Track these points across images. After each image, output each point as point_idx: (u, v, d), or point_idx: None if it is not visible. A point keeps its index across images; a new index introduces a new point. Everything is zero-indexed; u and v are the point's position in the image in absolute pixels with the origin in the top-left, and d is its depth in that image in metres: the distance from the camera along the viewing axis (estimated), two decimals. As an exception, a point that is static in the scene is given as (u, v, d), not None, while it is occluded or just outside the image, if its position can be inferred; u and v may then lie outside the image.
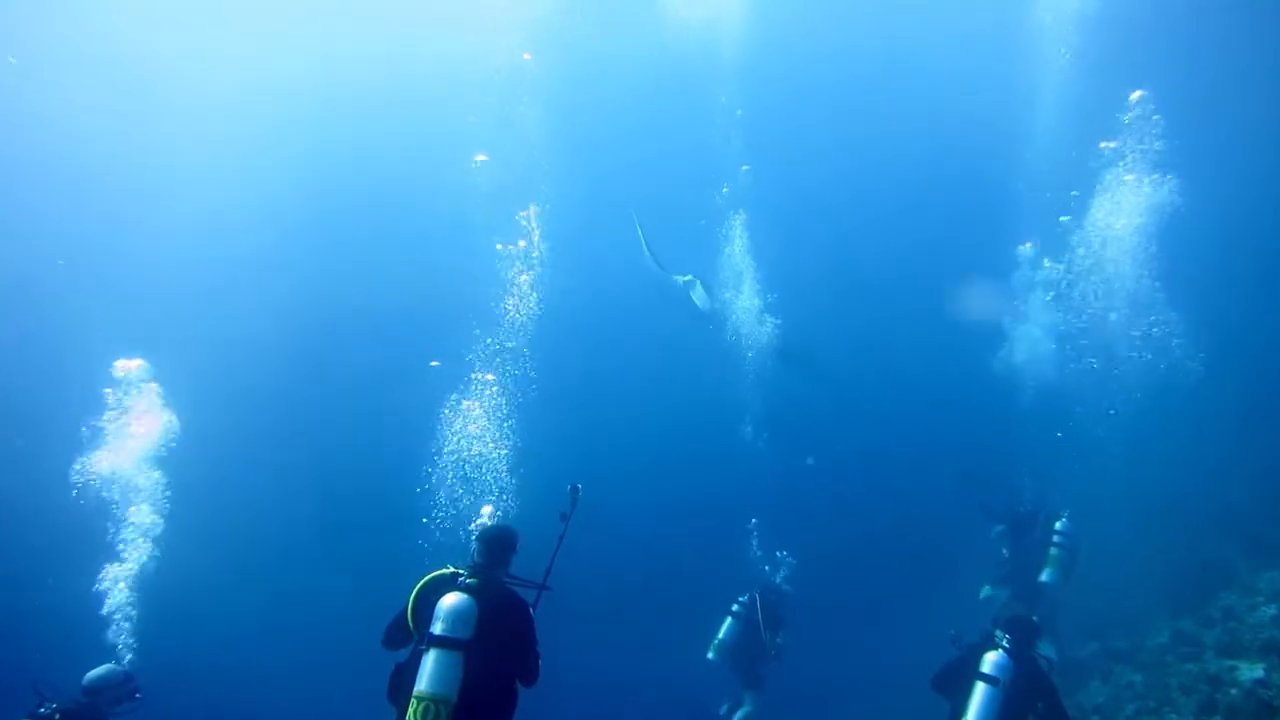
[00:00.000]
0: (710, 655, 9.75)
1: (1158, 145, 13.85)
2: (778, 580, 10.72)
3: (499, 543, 4.70)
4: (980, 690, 5.16)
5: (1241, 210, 20.03)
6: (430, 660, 4.02)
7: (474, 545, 4.68)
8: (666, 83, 21.43)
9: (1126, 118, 13.93)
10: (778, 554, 11.11)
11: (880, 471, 18.15)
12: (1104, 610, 11.66)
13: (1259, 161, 19.91)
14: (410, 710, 3.92)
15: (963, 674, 5.48)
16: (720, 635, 9.81)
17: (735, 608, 9.96)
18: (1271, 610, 9.42)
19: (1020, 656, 5.35)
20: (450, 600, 4.16)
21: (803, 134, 22.72)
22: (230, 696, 12.58)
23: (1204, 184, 15.02)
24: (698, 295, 14.87)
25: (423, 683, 3.96)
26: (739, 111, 19.31)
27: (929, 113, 22.55)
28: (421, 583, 4.43)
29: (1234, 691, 8.01)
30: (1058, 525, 9.71)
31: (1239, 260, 20.92)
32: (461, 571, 4.46)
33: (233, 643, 13.81)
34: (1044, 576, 9.44)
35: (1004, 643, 5.38)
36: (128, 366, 8.99)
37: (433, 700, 3.91)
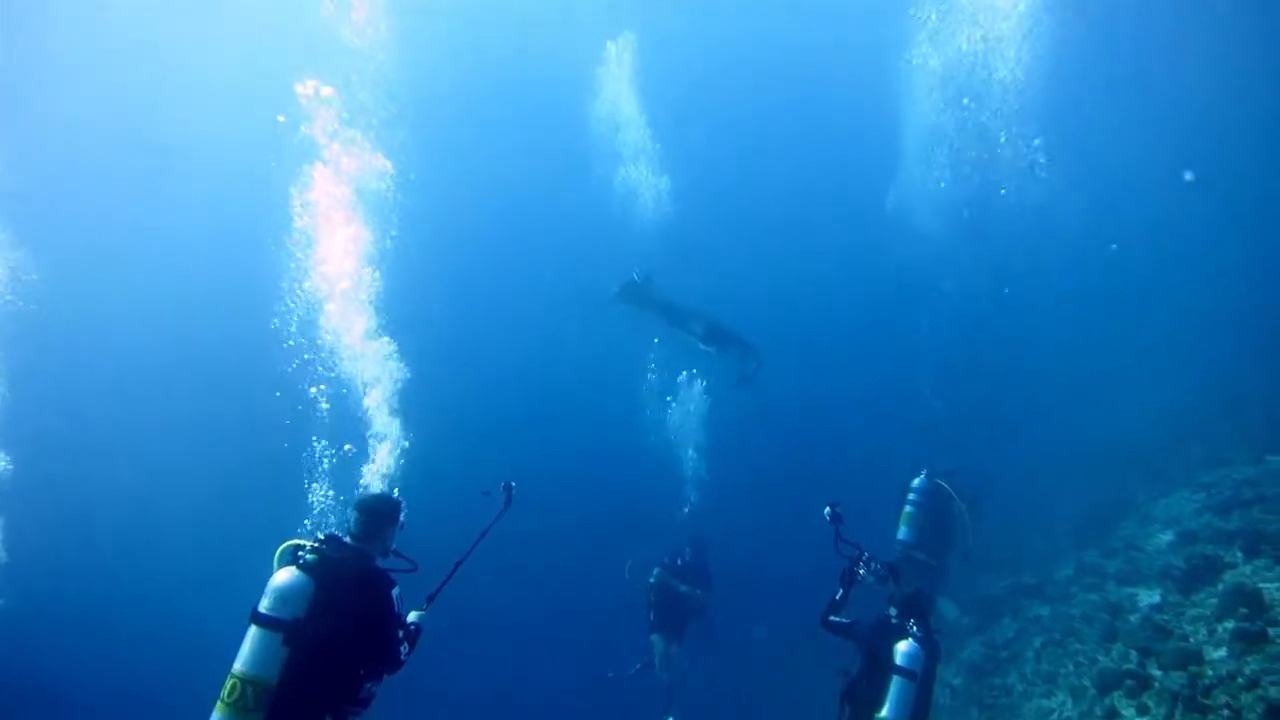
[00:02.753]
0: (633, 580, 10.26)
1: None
2: (692, 537, 10.68)
3: (376, 513, 4.29)
4: (897, 685, 5.05)
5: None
6: (248, 638, 3.71)
7: (351, 515, 4.29)
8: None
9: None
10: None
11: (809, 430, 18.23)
12: (1015, 548, 11.85)
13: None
14: (223, 687, 3.64)
15: (871, 654, 5.38)
16: (650, 579, 10.15)
17: (663, 558, 10.26)
18: (1167, 537, 9.65)
19: (929, 640, 5.26)
20: (280, 577, 3.82)
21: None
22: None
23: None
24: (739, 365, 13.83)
25: (237, 660, 3.68)
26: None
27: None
28: (279, 551, 4.07)
29: (1133, 618, 8.14)
30: (914, 483, 9.71)
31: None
32: (307, 543, 4.04)
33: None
34: (899, 534, 9.50)
35: (914, 629, 5.24)
36: None
37: (242, 680, 3.62)
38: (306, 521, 8.33)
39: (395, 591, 4.08)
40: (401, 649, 4.10)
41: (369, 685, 4.02)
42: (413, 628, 4.30)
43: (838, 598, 5.87)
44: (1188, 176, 20.85)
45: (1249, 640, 6.59)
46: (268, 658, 3.66)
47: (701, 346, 13.08)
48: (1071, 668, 8.06)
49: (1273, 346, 16.32)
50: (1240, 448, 11.71)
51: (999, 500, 10.74)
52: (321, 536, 4.10)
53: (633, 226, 18.36)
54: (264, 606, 3.75)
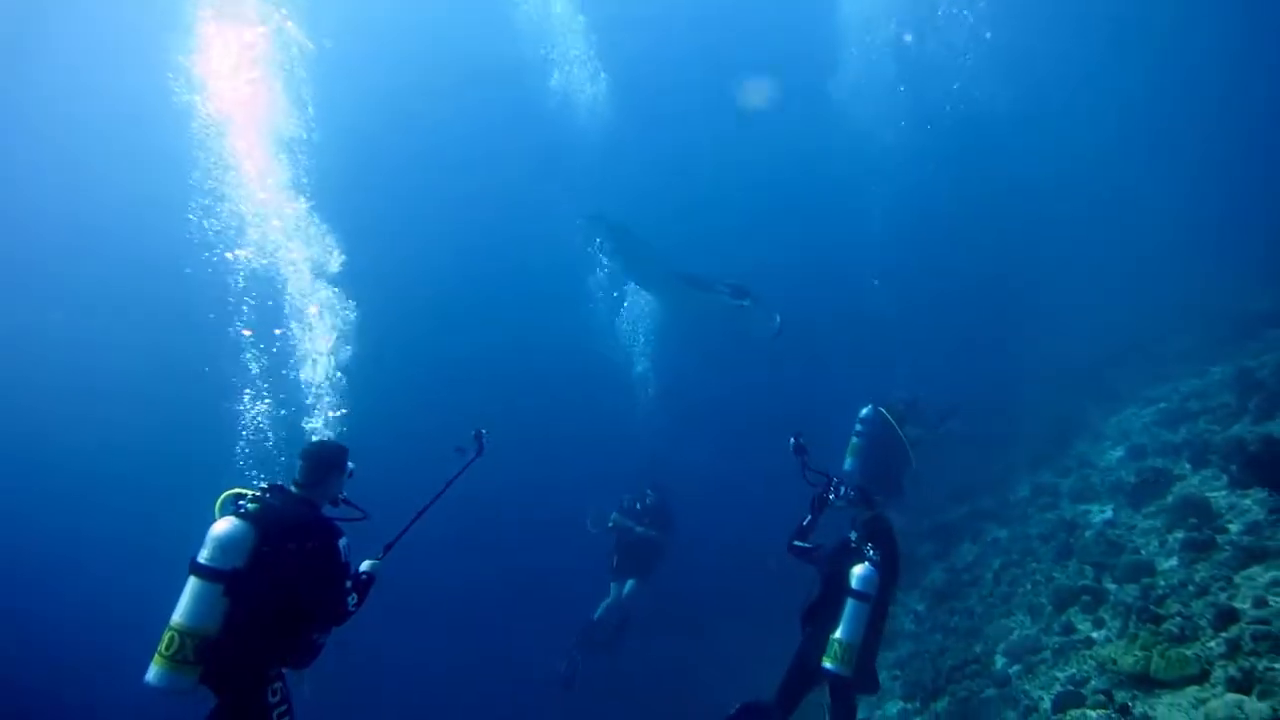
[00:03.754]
0: (594, 529, 10.35)
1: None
2: (653, 481, 10.80)
3: (320, 461, 4.17)
4: (851, 607, 5.10)
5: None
6: (186, 589, 3.63)
7: (296, 463, 4.18)
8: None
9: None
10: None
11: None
12: (973, 473, 12.02)
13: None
14: (161, 640, 3.56)
15: (830, 578, 5.39)
16: (608, 524, 10.33)
17: (622, 501, 10.46)
18: (1118, 453, 9.83)
19: (886, 564, 5.27)
20: (219, 526, 3.74)
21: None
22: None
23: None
24: (762, 318, 13.29)
25: (175, 612, 3.58)
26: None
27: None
28: (219, 500, 3.94)
29: (1087, 534, 8.27)
30: (861, 413, 9.74)
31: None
32: (248, 492, 3.94)
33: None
34: (845, 465, 9.46)
35: (870, 552, 5.25)
36: None
37: (180, 632, 3.54)
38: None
39: (342, 541, 3.99)
40: (349, 599, 4.01)
41: (315, 636, 3.94)
42: (363, 577, 4.19)
43: (805, 523, 5.90)
44: None
45: (1198, 549, 6.71)
46: (206, 609, 3.58)
47: (733, 302, 12.77)
48: (1029, 587, 8.19)
49: (1216, 258, 16.65)
50: (1185, 361, 11.95)
51: (967, 423, 10.87)
52: (266, 485, 4.01)
53: (568, 131, 17.87)
54: (203, 556, 3.65)
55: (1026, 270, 20.76)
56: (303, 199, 8.40)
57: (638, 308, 14.78)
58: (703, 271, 13.33)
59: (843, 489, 5.89)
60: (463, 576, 13.99)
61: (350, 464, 4.32)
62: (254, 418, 8.63)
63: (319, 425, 7.38)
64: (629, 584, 10.34)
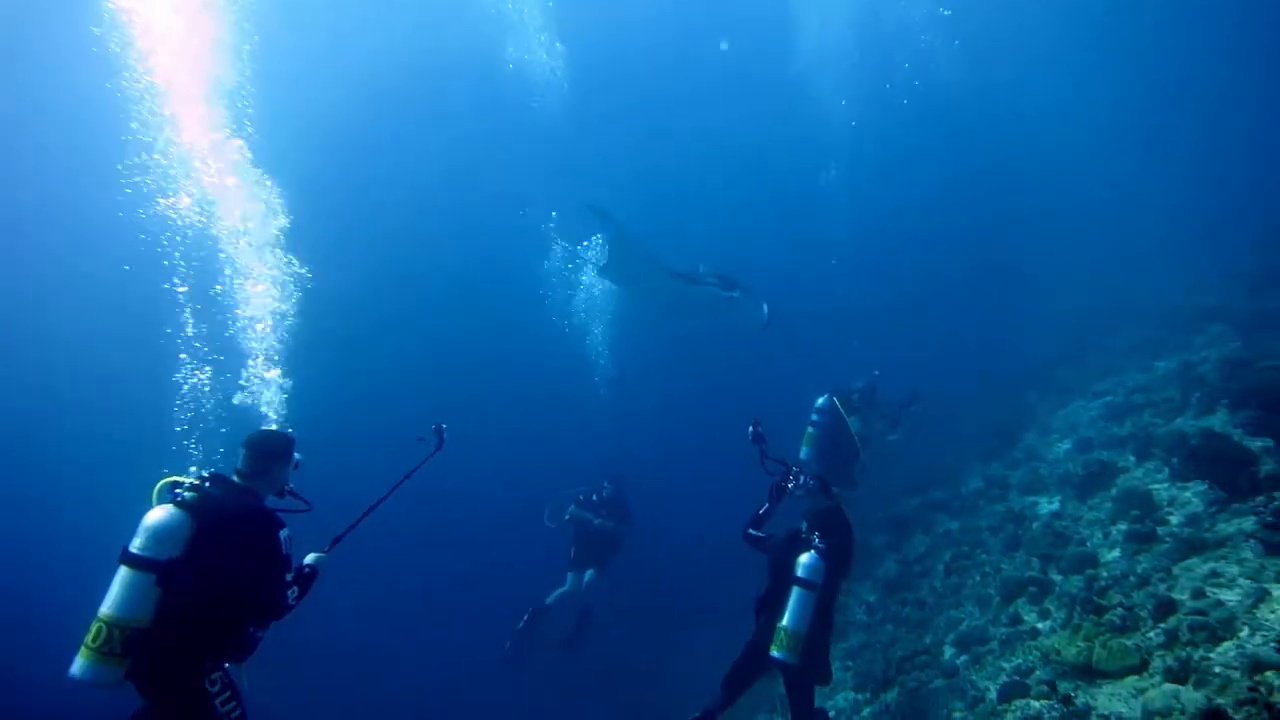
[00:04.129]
0: (551, 523, 10.38)
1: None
2: (611, 473, 10.79)
3: (264, 451, 4.05)
4: (796, 595, 5.12)
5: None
6: (116, 578, 3.50)
7: (240, 451, 4.05)
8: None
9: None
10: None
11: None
12: (926, 466, 12.15)
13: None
14: (89, 631, 3.44)
15: (777, 566, 5.41)
16: (565, 516, 10.35)
17: (579, 495, 10.44)
18: (1066, 445, 10.00)
19: (830, 550, 5.28)
20: (153, 515, 3.62)
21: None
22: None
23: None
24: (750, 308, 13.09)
25: (104, 602, 3.45)
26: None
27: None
28: (156, 488, 3.80)
29: (1035, 526, 8.39)
30: (817, 402, 9.82)
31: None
32: (186, 480, 3.80)
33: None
34: (800, 454, 9.59)
35: (816, 541, 5.26)
36: None
37: (108, 623, 3.41)
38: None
39: (283, 533, 3.88)
40: (289, 593, 3.89)
41: (253, 630, 3.83)
42: (306, 570, 4.08)
43: (761, 511, 5.89)
44: None
45: (1140, 540, 6.84)
46: (137, 600, 3.46)
47: (724, 294, 12.65)
48: (978, 578, 8.30)
49: (1166, 253, 17.04)
50: (1132, 355, 12.20)
51: (928, 409, 10.97)
52: (206, 474, 3.88)
53: (523, 107, 17.58)
54: (135, 545, 3.53)
55: (987, 259, 21.09)
56: (242, 143, 8.04)
57: (594, 293, 14.64)
58: (684, 263, 13.25)
59: (801, 478, 5.90)
60: (419, 568, 13.82)
61: (297, 455, 4.21)
62: (193, 387, 8.25)
63: (258, 405, 7.09)
64: (588, 575, 10.32)
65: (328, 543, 4.32)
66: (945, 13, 17.85)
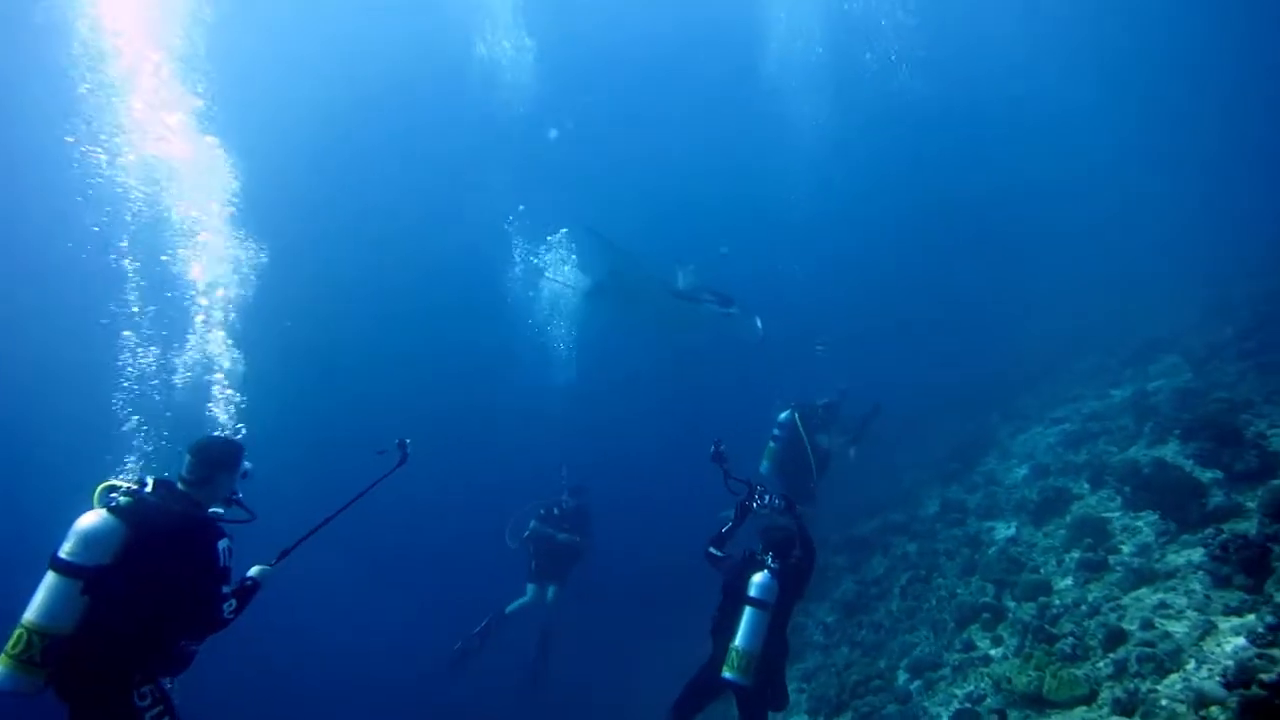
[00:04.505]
0: (512, 543, 10.30)
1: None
2: (572, 486, 10.75)
3: (208, 459, 3.89)
4: (749, 614, 5.07)
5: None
6: (42, 584, 3.40)
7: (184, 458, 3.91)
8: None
9: None
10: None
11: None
12: (885, 488, 12.21)
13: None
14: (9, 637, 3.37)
15: (734, 586, 5.33)
16: (524, 533, 10.34)
17: (540, 509, 10.39)
18: (1023, 470, 10.09)
19: (784, 571, 5.23)
20: (85, 520, 3.50)
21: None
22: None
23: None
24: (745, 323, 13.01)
25: (28, 608, 3.34)
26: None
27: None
28: (95, 492, 3.68)
29: (990, 551, 8.43)
30: (779, 417, 9.93)
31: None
32: (123, 484, 3.66)
33: None
34: (761, 468, 9.81)
35: (769, 561, 5.23)
36: None
37: (30, 630, 3.29)
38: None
39: (223, 543, 3.72)
40: (225, 606, 3.73)
41: (185, 643, 3.68)
42: (248, 583, 3.95)
43: (725, 530, 5.81)
44: None
45: (1092, 569, 6.88)
46: (61, 607, 3.34)
47: (721, 310, 12.63)
48: (934, 602, 8.30)
49: (1125, 282, 17.38)
50: (1090, 382, 12.40)
51: (888, 429, 11.04)
52: (151, 479, 3.76)
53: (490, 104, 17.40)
54: (64, 551, 3.40)
55: (958, 278, 21.36)
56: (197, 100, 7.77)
57: (556, 302, 14.56)
58: (677, 279, 13.22)
59: (766, 497, 5.82)
60: (378, 576, 13.60)
61: (247, 463, 4.08)
62: (141, 367, 7.86)
63: (207, 393, 6.83)
64: (550, 592, 10.29)
65: (272, 554, 4.17)
66: (910, 22, 18.11)
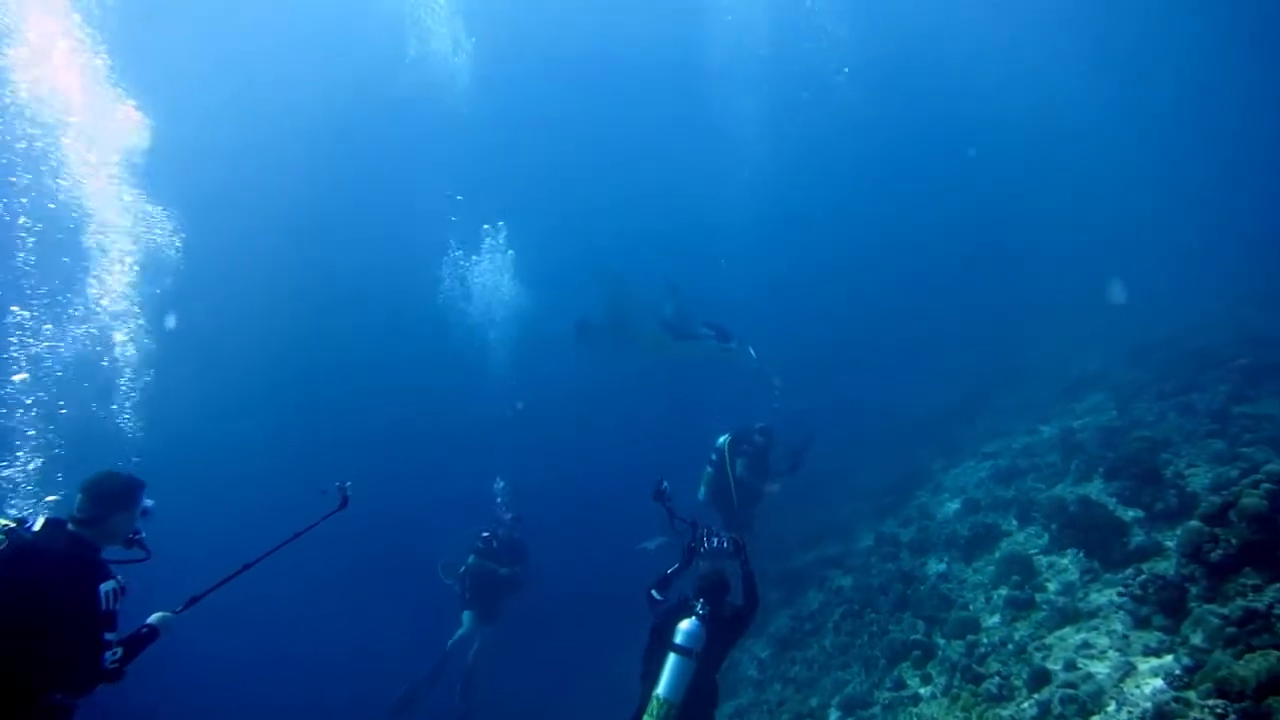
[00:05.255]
0: (452, 584, 10.18)
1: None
2: (509, 516, 10.64)
3: (100, 496, 3.60)
4: (672, 661, 4.91)
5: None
6: None
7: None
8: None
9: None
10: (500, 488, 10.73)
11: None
12: (822, 521, 12.21)
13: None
14: None
15: (661, 630, 5.18)
16: (460, 568, 10.24)
17: (476, 543, 10.29)
18: (955, 505, 10.18)
19: (712, 619, 5.08)
20: None
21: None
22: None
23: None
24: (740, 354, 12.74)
25: None
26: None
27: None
28: None
29: (923, 587, 8.43)
30: (717, 442, 10.05)
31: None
32: (2, 523, 3.34)
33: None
34: (699, 494, 10.01)
35: (699, 608, 5.09)
36: None
37: None
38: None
39: (106, 586, 3.43)
40: (108, 655, 3.41)
41: (59, 697, 3.33)
42: (144, 630, 3.66)
43: (670, 572, 5.66)
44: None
45: (1019, 607, 6.92)
46: None
47: (721, 346, 12.48)
48: (866, 639, 8.26)
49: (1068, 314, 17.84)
50: (1020, 418, 12.65)
51: (828, 454, 11.05)
52: (41, 519, 3.46)
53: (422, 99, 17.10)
54: None
55: (902, 303, 21.69)
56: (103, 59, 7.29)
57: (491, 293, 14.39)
58: (673, 312, 13.08)
59: (715, 540, 5.63)
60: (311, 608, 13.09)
61: (148, 501, 3.79)
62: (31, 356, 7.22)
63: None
64: (481, 635, 10.08)
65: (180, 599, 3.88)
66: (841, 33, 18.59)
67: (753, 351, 12.51)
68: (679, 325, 12.97)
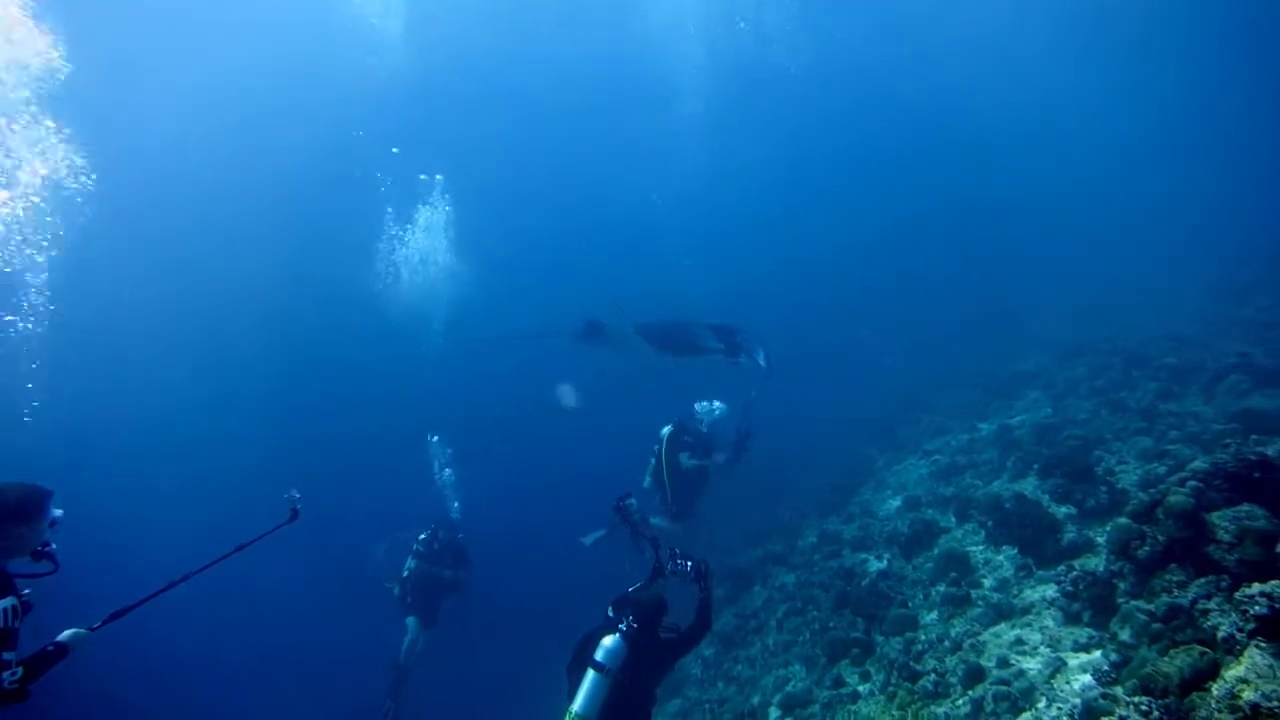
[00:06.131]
0: (393, 589, 10.11)
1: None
2: (453, 515, 10.87)
3: (2, 511, 3.33)
4: (589, 679, 4.75)
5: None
6: None
7: None
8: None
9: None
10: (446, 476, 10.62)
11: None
12: (767, 518, 12.22)
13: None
14: None
15: (586, 643, 5.01)
16: (403, 573, 10.14)
17: (416, 546, 10.19)
18: (896, 502, 10.28)
19: (638, 638, 4.90)
20: None
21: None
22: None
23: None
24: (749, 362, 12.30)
25: None
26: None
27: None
28: None
29: (863, 584, 8.47)
30: (661, 431, 10.19)
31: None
32: None
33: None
34: (644, 482, 10.19)
35: (623, 625, 4.92)
36: None
37: None
38: None
39: (5, 604, 3.18)
40: (5, 675, 3.16)
41: None
42: (50, 649, 3.41)
43: (630, 591, 5.39)
44: None
45: (955, 604, 6.99)
46: None
47: (730, 359, 12.13)
48: (807, 636, 8.27)
49: (991, 318, 18.24)
50: (960, 415, 12.85)
51: (769, 449, 11.07)
52: None
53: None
54: None
55: (853, 308, 21.88)
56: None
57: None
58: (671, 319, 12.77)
59: (679, 562, 5.41)
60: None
61: (56, 511, 3.51)
62: None
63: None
64: (421, 639, 10.02)
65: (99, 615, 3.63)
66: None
67: (763, 362, 12.26)
68: (679, 339, 12.72)
